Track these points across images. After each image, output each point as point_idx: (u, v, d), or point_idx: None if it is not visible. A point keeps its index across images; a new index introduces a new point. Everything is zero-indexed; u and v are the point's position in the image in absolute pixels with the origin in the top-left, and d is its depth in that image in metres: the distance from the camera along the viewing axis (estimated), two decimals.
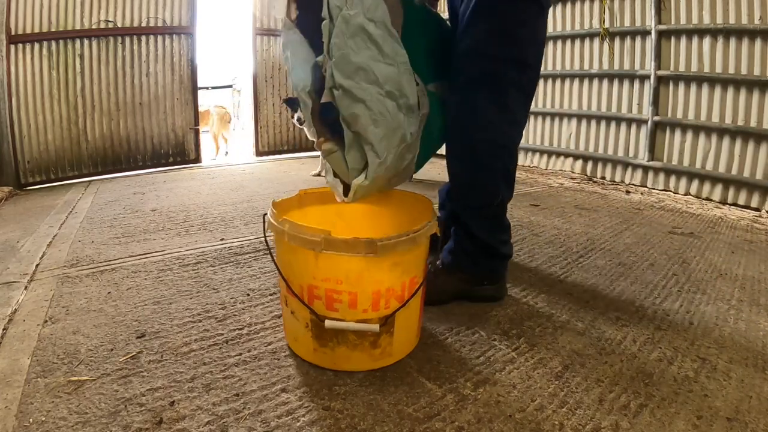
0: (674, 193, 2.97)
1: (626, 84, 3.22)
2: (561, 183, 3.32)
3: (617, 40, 3.23)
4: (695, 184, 2.88)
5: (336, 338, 1.00)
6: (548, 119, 3.78)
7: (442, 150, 1.35)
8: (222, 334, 1.18)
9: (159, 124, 3.86)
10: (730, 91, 2.66)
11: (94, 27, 3.44)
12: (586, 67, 3.46)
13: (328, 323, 0.96)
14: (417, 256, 1.03)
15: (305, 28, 0.99)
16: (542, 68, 3.73)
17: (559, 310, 1.34)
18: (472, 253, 1.34)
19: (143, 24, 3.66)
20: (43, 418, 0.87)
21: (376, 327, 0.97)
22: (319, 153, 3.42)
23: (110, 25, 3.50)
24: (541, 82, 3.79)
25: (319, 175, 3.52)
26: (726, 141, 2.70)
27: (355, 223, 1.32)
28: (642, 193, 3.00)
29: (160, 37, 3.76)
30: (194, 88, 4.02)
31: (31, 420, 0.86)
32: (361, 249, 0.93)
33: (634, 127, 3.20)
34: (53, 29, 3.27)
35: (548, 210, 2.51)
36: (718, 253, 1.86)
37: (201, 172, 3.80)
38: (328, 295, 0.97)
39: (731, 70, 2.64)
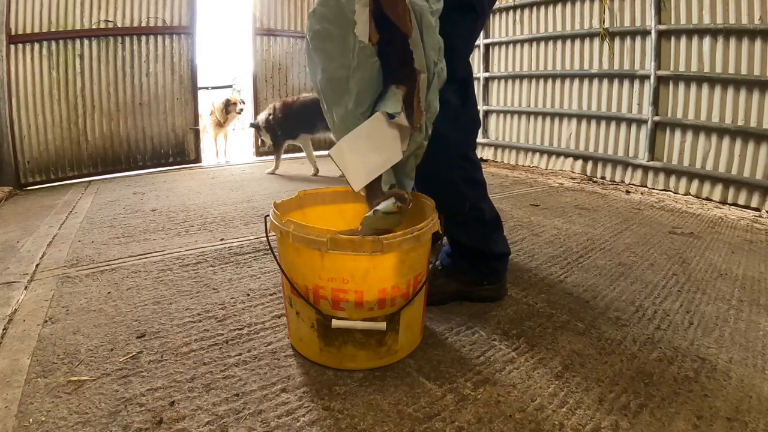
0: (674, 193, 2.97)
1: (626, 84, 3.22)
2: (561, 183, 3.32)
3: (617, 40, 3.23)
4: (695, 184, 2.88)
5: (342, 337, 1.00)
6: (548, 119, 3.78)
7: None
8: (222, 334, 1.18)
9: (159, 124, 3.87)
10: (730, 91, 2.66)
11: (94, 27, 3.44)
12: (586, 67, 3.46)
13: (335, 323, 0.97)
14: (421, 253, 1.03)
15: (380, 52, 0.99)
16: (543, 68, 3.77)
17: (559, 310, 1.34)
18: (465, 256, 1.34)
19: (143, 24, 3.66)
20: (43, 418, 0.87)
21: (383, 325, 0.97)
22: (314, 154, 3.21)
23: (110, 25, 3.50)
24: (541, 82, 3.80)
25: (315, 175, 3.54)
26: (726, 141, 2.70)
27: (357, 222, 1.31)
28: (642, 193, 3.00)
29: (160, 37, 3.76)
30: (194, 88, 4.02)
31: (31, 420, 0.86)
32: (367, 248, 0.93)
33: (634, 127, 3.20)
34: (53, 29, 3.27)
35: (548, 210, 2.51)
36: (718, 253, 1.86)
37: (201, 172, 3.81)
38: (334, 295, 0.98)
39: (731, 70, 2.64)
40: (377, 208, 1.02)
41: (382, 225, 1.02)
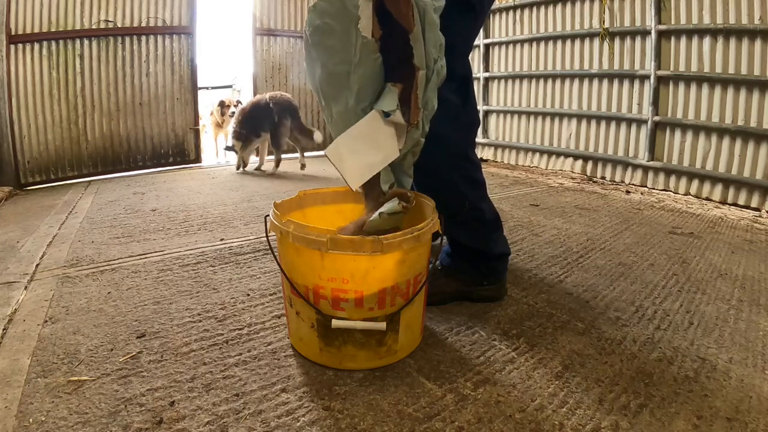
0: (674, 193, 2.97)
1: (626, 84, 3.22)
2: (561, 183, 3.32)
3: (617, 40, 3.23)
4: (695, 184, 2.88)
5: (342, 337, 1.00)
6: (548, 119, 3.78)
7: None
8: (222, 334, 1.18)
9: (159, 124, 3.87)
10: (730, 91, 2.66)
11: (94, 27, 3.44)
12: (586, 67, 3.46)
13: (335, 323, 0.97)
14: (421, 253, 1.03)
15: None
16: (543, 68, 3.77)
17: (559, 310, 1.34)
18: (465, 256, 1.34)
19: (143, 24, 3.66)
20: (43, 418, 0.87)
21: (383, 325, 0.97)
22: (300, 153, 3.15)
23: (110, 25, 3.50)
24: (541, 82, 3.80)
25: (258, 169, 3.71)
26: (726, 141, 2.70)
27: None
28: (642, 193, 3.00)
29: (160, 37, 3.76)
30: (194, 88, 4.02)
31: (31, 420, 0.86)
32: (367, 248, 0.93)
33: (634, 127, 3.20)
34: (53, 29, 3.27)
35: (548, 210, 2.51)
36: (718, 253, 1.86)
37: (201, 172, 3.81)
38: (334, 295, 0.98)
39: (731, 70, 2.64)
40: (382, 210, 1.01)
41: (387, 226, 1.02)
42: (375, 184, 1.07)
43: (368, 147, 0.99)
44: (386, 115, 0.97)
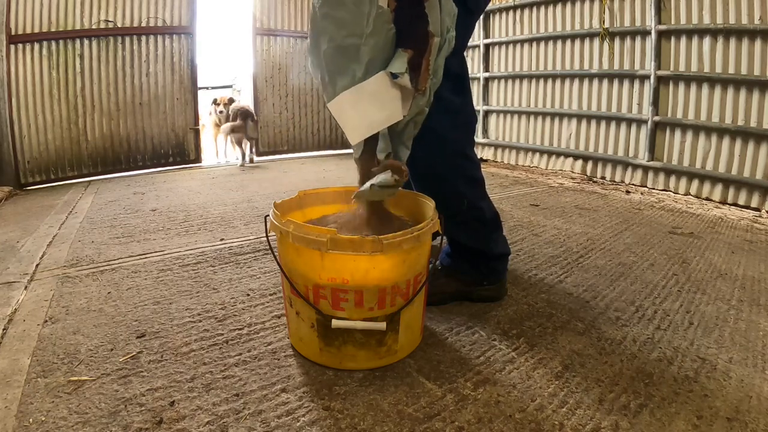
0: (674, 193, 2.97)
1: (626, 84, 3.22)
2: (561, 183, 3.32)
3: (617, 40, 3.23)
4: (695, 184, 2.87)
5: (342, 337, 1.00)
6: (548, 119, 3.78)
7: None
8: (222, 334, 1.18)
9: (159, 124, 3.87)
10: (730, 91, 2.66)
11: (94, 27, 3.44)
12: (586, 67, 3.46)
13: (335, 323, 0.97)
14: (421, 253, 1.03)
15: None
16: (543, 68, 3.76)
17: (559, 310, 1.34)
18: (465, 256, 1.34)
19: (143, 24, 3.66)
20: (43, 418, 0.87)
21: (383, 325, 0.97)
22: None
23: (110, 25, 3.50)
24: (541, 82, 3.80)
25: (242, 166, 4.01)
26: (726, 141, 2.70)
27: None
28: (642, 193, 3.00)
29: (160, 37, 3.76)
30: (194, 88, 4.02)
31: (31, 420, 0.86)
32: (367, 248, 0.93)
33: (634, 127, 3.20)
34: (53, 29, 3.27)
35: (548, 210, 2.51)
36: (718, 253, 1.86)
37: (201, 172, 3.81)
38: (334, 295, 0.98)
39: (731, 70, 2.64)
40: (373, 182, 1.00)
41: (377, 198, 1.01)
42: (372, 155, 1.06)
43: (372, 105, 0.97)
44: (394, 76, 0.96)
